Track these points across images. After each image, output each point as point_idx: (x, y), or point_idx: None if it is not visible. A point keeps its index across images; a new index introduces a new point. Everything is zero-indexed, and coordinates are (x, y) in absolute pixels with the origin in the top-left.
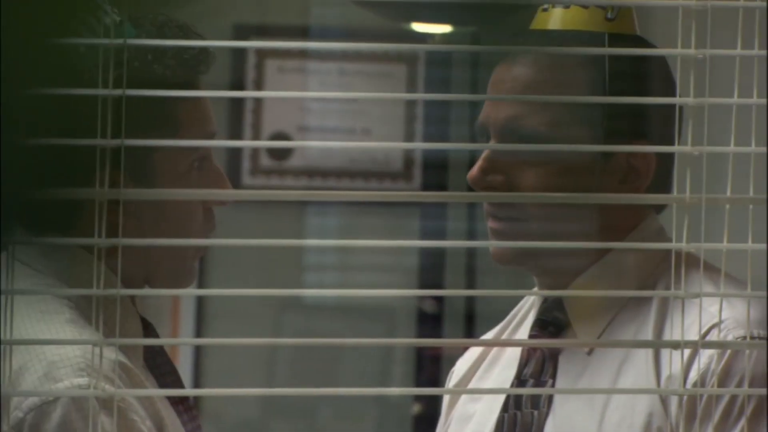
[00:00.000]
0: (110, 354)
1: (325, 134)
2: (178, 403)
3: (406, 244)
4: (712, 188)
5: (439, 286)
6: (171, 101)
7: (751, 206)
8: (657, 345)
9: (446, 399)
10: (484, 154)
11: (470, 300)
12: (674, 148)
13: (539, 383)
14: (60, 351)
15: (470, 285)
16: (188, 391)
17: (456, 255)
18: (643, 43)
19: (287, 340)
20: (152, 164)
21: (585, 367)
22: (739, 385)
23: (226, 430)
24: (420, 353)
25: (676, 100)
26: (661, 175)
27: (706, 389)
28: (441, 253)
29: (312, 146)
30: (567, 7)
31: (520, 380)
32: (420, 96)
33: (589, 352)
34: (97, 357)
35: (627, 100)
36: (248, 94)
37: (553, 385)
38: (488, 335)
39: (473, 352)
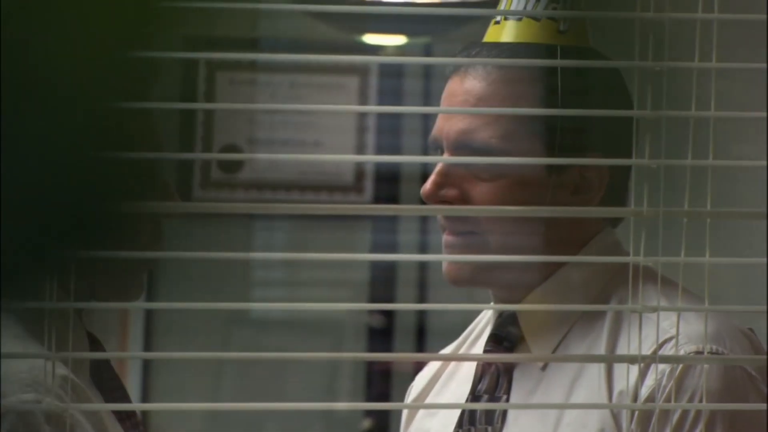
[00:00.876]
0: (58, 370)
1: (276, 147)
2: (125, 419)
3: (354, 258)
4: (669, 202)
5: (390, 301)
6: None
7: (708, 220)
8: (615, 360)
9: (404, 416)
10: (437, 168)
11: (421, 315)
12: (633, 161)
13: (494, 399)
14: (5, 367)
15: (422, 299)
16: (136, 406)
17: (407, 269)
18: (596, 55)
19: (234, 354)
20: None
21: (539, 383)
22: (691, 400)
23: None
24: (369, 368)
25: (633, 112)
26: (615, 189)
27: (658, 404)
28: (392, 267)
29: (261, 158)
30: (519, 19)
31: (474, 396)
32: (371, 108)
33: (543, 368)
34: (45, 372)
35: (586, 112)
36: (198, 106)
37: (507, 401)
38: (446, 350)
39: (431, 368)
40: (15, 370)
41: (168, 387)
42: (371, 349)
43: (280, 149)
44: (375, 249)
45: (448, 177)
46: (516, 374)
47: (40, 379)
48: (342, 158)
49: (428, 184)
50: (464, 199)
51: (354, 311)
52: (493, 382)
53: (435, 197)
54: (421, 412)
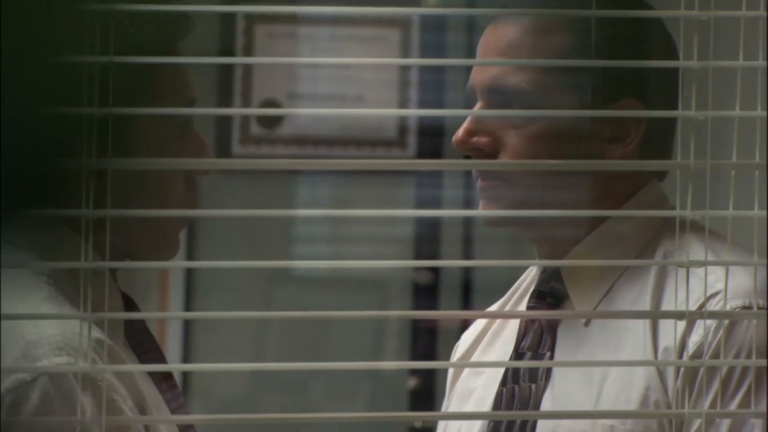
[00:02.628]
0: (92, 332)
1: (317, 101)
2: (161, 381)
3: (399, 214)
4: (716, 154)
5: (435, 257)
6: (148, 68)
7: (757, 172)
8: (661, 316)
9: (450, 374)
10: (469, 116)
11: (467, 271)
12: (678, 113)
13: (537, 356)
14: (37, 330)
15: (467, 255)
16: (171, 366)
17: (452, 224)
18: (638, 4)
19: (276, 313)
20: (130, 134)
21: (583, 339)
22: (737, 356)
23: (215, 407)
24: (415, 326)
25: (679, 63)
26: (656, 139)
27: (705, 360)
28: (437, 222)
29: (303, 114)
30: None
31: (518, 353)
32: (414, 61)
33: (587, 324)
34: (77, 335)
35: (632, 64)
36: (237, 60)
37: (551, 358)
38: (492, 308)
39: (477, 326)
40: (47, 333)
41: (209, 346)
42: (417, 307)
43: (321, 104)
44: (419, 204)
45: (480, 124)
46: (560, 331)
47: (72, 341)
48: (384, 113)
49: (460, 132)
50: (496, 147)
51: (400, 267)
52: (536, 339)
53: (467, 144)
54: (467, 370)
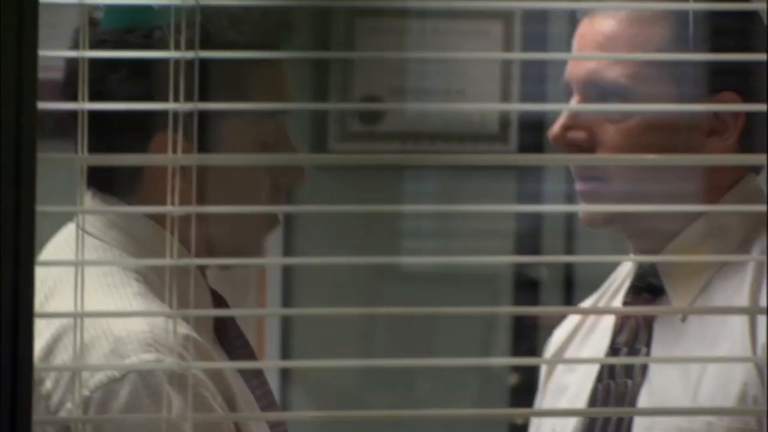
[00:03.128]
0: (179, 328)
1: (418, 96)
2: (251, 378)
3: (504, 209)
4: None
5: (537, 252)
6: (243, 71)
7: None
8: (757, 312)
9: (543, 371)
10: (566, 111)
11: (570, 265)
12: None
13: (633, 351)
14: (127, 326)
15: (569, 250)
16: (260, 364)
17: (554, 219)
18: None
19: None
20: (220, 136)
21: (680, 335)
22: None
23: (323, 402)
24: (519, 321)
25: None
26: (755, 132)
27: None
28: (539, 217)
29: (404, 108)
30: None
31: (613, 348)
32: (516, 55)
33: (684, 319)
34: (166, 331)
35: (711, 56)
36: (332, 55)
37: (647, 354)
38: (586, 303)
39: (571, 321)
40: (136, 329)
41: (313, 341)
42: (521, 302)
43: (422, 98)
44: (520, 199)
45: (576, 119)
46: (656, 326)
47: (161, 338)
48: (487, 107)
49: (556, 127)
50: (593, 142)
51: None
52: (632, 335)
53: (563, 140)
54: (560, 366)
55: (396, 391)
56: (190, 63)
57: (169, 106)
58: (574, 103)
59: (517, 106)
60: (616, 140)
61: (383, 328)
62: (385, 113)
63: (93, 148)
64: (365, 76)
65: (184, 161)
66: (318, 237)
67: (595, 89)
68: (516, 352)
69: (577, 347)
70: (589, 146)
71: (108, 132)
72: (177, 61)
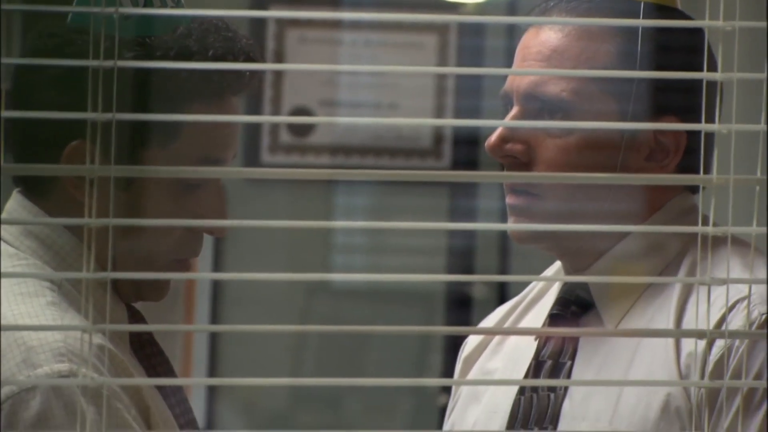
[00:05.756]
0: (95, 339)
1: (350, 109)
2: (170, 395)
3: (436, 227)
4: (741, 169)
5: (470, 269)
6: (185, 104)
7: None
8: (682, 335)
9: (457, 373)
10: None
11: (504, 282)
12: (700, 126)
13: (558, 364)
14: (39, 335)
15: (503, 267)
16: (177, 381)
17: (488, 236)
18: (680, 16)
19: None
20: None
21: (603, 343)
22: (761, 367)
23: (251, 422)
24: (452, 340)
25: (701, 75)
26: (695, 153)
27: (726, 380)
28: (472, 233)
29: (335, 122)
30: None
31: (538, 361)
32: (451, 70)
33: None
34: (80, 341)
35: (649, 74)
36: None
37: (572, 366)
38: (495, 312)
39: (488, 322)
40: (48, 339)
41: (241, 358)
42: (454, 321)
43: (354, 112)
44: (453, 215)
45: (515, 131)
46: (582, 339)
47: (74, 348)
48: (419, 122)
49: (494, 137)
50: (530, 156)
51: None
52: (557, 347)
53: (500, 151)
54: (485, 354)
55: (325, 411)
56: (109, 72)
57: (88, 115)
58: (514, 114)
59: (449, 122)
60: (554, 156)
61: (313, 345)
62: (316, 126)
63: (19, 152)
64: (295, 88)
65: (101, 172)
66: (248, 251)
67: (536, 103)
68: (449, 371)
69: (493, 350)
70: (526, 160)
71: (30, 138)
72: (96, 70)
